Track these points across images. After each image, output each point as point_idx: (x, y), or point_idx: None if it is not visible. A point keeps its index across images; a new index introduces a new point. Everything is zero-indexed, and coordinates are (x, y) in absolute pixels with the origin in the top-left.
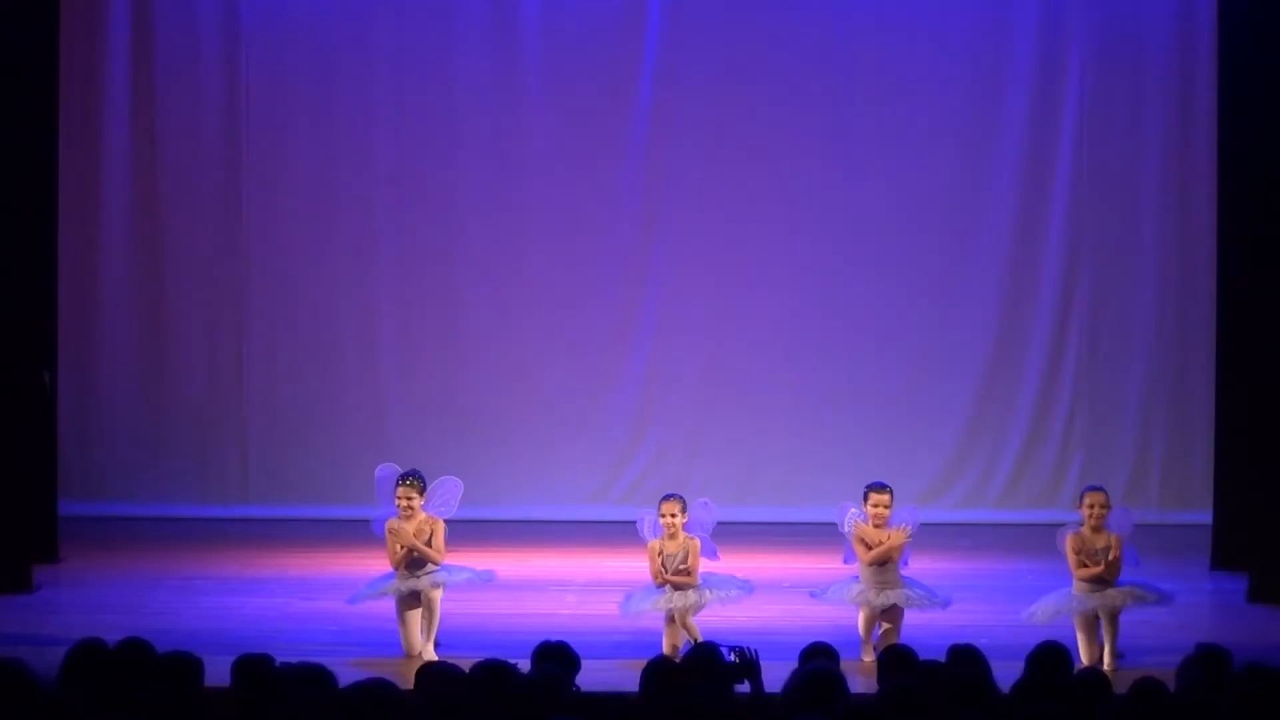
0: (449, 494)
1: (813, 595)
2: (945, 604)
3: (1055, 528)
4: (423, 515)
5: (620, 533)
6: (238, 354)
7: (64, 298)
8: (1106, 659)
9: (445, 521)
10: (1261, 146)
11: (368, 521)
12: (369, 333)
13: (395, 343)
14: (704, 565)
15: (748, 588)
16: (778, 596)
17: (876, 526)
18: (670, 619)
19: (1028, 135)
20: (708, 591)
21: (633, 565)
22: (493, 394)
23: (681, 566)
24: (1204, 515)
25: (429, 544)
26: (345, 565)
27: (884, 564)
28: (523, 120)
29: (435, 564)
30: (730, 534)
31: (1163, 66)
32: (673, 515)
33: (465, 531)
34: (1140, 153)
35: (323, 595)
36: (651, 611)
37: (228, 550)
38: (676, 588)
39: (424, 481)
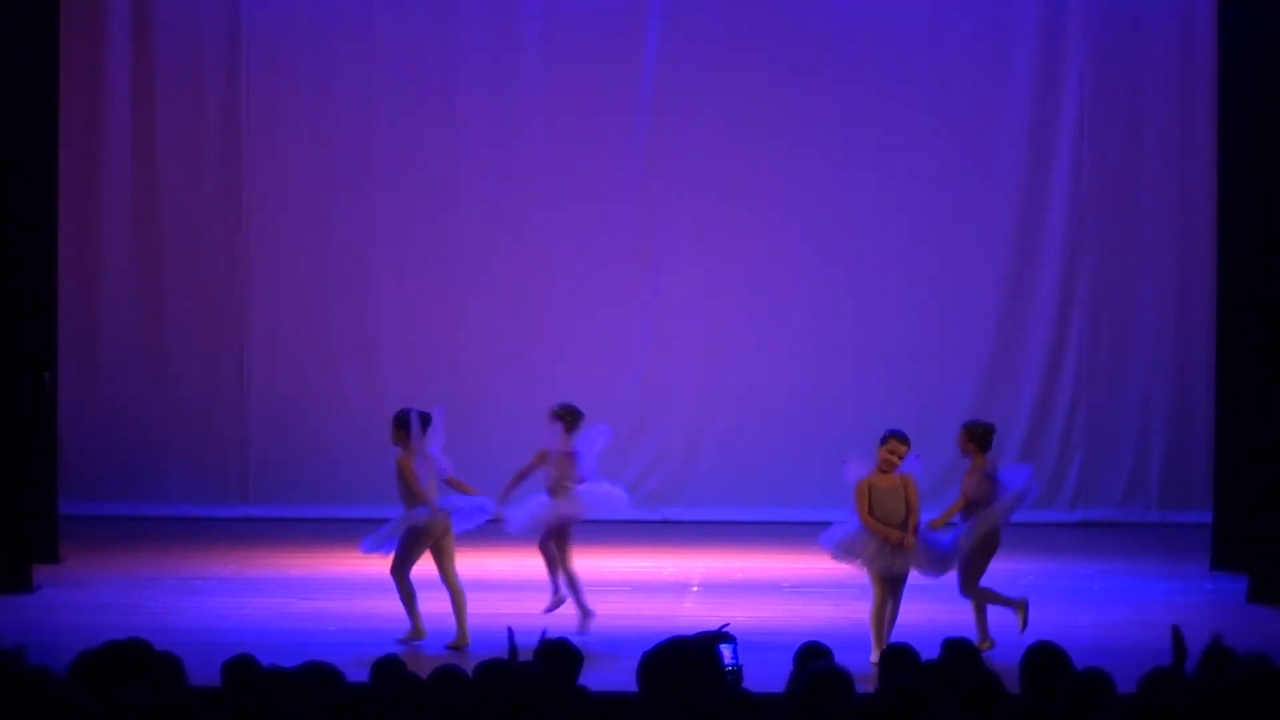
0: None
1: (822, 542)
2: (945, 564)
3: (1055, 528)
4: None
5: (621, 532)
6: (238, 354)
7: (64, 298)
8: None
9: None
10: (1261, 146)
11: (367, 522)
12: (369, 333)
13: (395, 343)
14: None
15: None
16: (778, 596)
17: (883, 473)
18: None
19: (1028, 135)
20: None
21: (633, 564)
22: (492, 394)
23: None
24: (1204, 515)
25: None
26: (345, 565)
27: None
28: (523, 119)
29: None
30: (729, 533)
31: (1163, 66)
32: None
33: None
34: (1140, 152)
35: (323, 595)
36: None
37: (227, 550)
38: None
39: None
